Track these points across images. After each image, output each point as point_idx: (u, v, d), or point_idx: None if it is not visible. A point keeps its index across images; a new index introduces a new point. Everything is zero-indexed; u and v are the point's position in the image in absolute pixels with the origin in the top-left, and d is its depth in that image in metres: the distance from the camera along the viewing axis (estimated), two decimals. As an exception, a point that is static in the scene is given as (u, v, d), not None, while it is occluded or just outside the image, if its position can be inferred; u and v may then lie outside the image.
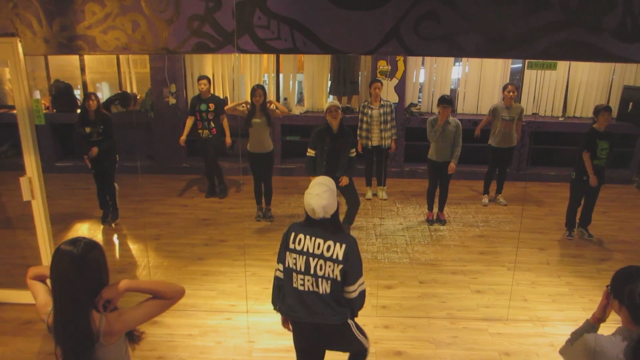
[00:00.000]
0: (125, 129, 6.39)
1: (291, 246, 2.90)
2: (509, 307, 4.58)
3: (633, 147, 8.26)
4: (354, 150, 5.78)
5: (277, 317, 4.32)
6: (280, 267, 3.02)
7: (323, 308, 2.86)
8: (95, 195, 6.51)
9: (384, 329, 4.37)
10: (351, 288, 2.90)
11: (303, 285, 2.88)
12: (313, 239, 2.85)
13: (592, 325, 2.26)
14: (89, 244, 2.12)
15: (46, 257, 4.52)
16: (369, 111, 7.02)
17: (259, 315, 4.45)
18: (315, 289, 2.86)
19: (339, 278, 2.83)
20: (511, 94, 6.78)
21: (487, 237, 6.20)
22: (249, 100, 6.26)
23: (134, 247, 5.97)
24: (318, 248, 2.83)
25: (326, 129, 5.56)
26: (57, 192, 7.37)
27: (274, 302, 3.11)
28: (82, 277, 2.05)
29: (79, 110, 6.98)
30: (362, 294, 2.96)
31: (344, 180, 5.62)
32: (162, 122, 8.33)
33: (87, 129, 6.07)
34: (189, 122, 7.25)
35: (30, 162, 4.29)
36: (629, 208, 7.08)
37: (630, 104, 8.03)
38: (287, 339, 4.04)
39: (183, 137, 7.24)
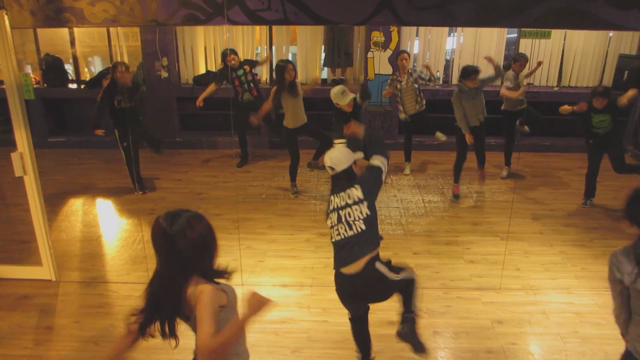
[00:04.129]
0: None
1: (329, 209, 3.17)
2: (501, 277, 4.63)
3: (627, 117, 8.25)
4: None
5: (273, 290, 4.41)
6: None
7: (362, 244, 3.05)
8: (91, 170, 6.52)
9: (378, 299, 4.41)
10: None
11: (339, 234, 3.10)
12: (339, 195, 3.12)
13: None
14: (192, 218, 2.06)
15: (40, 232, 4.52)
16: (399, 85, 6.89)
17: (254, 287, 4.47)
18: (350, 232, 3.06)
19: (369, 213, 3.06)
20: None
21: (481, 208, 6.24)
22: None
23: (128, 222, 5.96)
24: (342, 200, 3.10)
25: None
26: (51, 168, 7.32)
27: None
28: (176, 253, 2.02)
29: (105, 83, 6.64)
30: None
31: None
32: (154, 96, 8.24)
33: (118, 98, 6.09)
34: (212, 87, 7.23)
35: (21, 137, 4.25)
36: (622, 177, 7.08)
37: (626, 72, 7.96)
38: (282, 311, 4.09)
39: (200, 98, 7.17)
